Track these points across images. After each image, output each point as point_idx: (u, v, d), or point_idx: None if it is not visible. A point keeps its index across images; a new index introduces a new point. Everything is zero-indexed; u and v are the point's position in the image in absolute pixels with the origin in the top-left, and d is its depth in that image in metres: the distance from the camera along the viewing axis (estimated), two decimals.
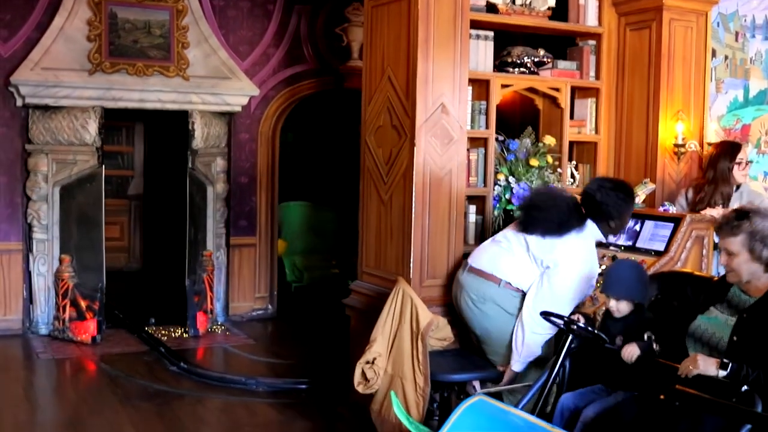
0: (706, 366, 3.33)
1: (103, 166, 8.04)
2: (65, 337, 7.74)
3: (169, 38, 8.15)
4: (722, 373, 3.29)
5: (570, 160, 5.74)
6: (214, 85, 8.25)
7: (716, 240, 5.07)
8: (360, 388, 4.42)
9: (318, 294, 9.62)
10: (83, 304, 7.76)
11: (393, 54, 5.05)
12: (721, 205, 5.25)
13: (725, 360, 3.34)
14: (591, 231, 4.46)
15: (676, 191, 5.61)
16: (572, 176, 5.73)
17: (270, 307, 9.02)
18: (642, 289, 3.97)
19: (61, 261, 7.89)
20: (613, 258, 5.05)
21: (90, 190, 7.96)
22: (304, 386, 6.41)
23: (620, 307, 3.95)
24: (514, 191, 5.20)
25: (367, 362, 4.39)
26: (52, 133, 7.84)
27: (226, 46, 8.51)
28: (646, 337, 3.82)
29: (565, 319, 3.95)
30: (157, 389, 6.36)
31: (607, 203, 4.40)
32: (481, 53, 5.33)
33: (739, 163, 5.32)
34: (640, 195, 5.40)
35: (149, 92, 8.05)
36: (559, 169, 5.45)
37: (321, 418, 5.74)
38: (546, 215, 4.41)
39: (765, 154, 6.23)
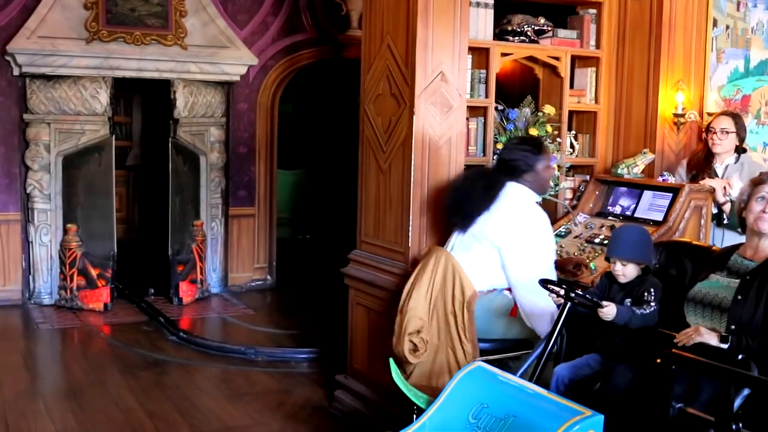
0: (709, 338, 3.35)
1: (113, 136, 8.10)
2: (74, 306, 7.86)
3: (167, 6, 8.09)
4: (723, 346, 3.30)
5: (569, 129, 5.72)
6: (213, 54, 8.22)
7: (714, 210, 5.10)
8: (410, 358, 4.36)
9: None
10: (94, 272, 7.90)
11: (392, 22, 5.01)
12: (722, 176, 5.24)
13: (724, 334, 3.35)
14: (517, 191, 4.42)
15: (675, 162, 5.59)
16: (571, 146, 5.71)
17: (269, 277, 9.04)
18: (649, 251, 3.91)
19: (66, 230, 7.97)
20: (612, 227, 5.05)
21: (99, 159, 8.07)
22: (303, 356, 6.44)
23: (626, 272, 3.87)
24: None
25: (412, 332, 4.36)
26: (56, 102, 7.86)
27: (224, 14, 8.46)
28: (628, 302, 3.78)
29: (565, 286, 3.92)
30: (156, 358, 6.39)
31: (515, 158, 4.44)
32: (481, 21, 5.29)
33: (711, 132, 5.27)
34: (639, 165, 5.39)
35: (147, 61, 8.01)
36: (558, 139, 5.43)
37: (320, 388, 5.77)
38: (466, 198, 4.44)
39: (765, 125, 6.20)
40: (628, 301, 3.81)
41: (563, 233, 5.26)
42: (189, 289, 8.17)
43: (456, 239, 4.55)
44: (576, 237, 5.14)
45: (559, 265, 4.62)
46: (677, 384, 2.65)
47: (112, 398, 5.51)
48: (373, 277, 5.12)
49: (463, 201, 4.46)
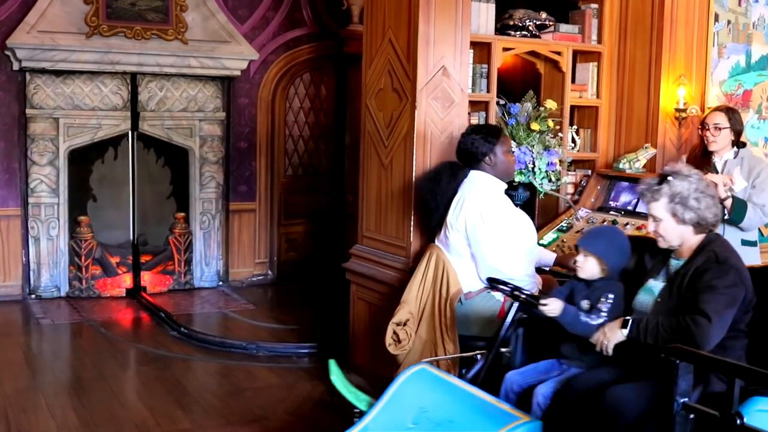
0: (613, 333, 3.31)
1: (134, 131, 8.31)
2: (90, 295, 8.10)
3: (167, 1, 8.08)
4: (625, 332, 3.27)
5: (571, 124, 5.73)
6: (213, 49, 8.20)
7: None
8: (391, 349, 4.37)
9: None
10: (113, 261, 8.28)
11: (394, 16, 5.01)
12: (721, 172, 5.22)
13: (626, 318, 3.31)
14: (477, 178, 4.41)
15: (677, 156, 5.59)
16: (573, 141, 5.71)
17: (270, 272, 9.03)
18: (614, 253, 3.65)
19: (79, 223, 8.17)
20: (614, 222, 5.05)
21: (115, 152, 8.49)
22: (304, 351, 6.43)
23: (586, 266, 3.64)
24: (515, 156, 5.18)
25: (398, 324, 4.37)
26: (68, 98, 7.96)
27: (224, 9, 8.45)
28: (584, 304, 3.60)
29: (511, 285, 3.80)
30: (157, 354, 6.39)
31: (473, 144, 4.41)
32: (483, 16, 5.29)
33: (705, 128, 5.13)
34: (641, 160, 5.39)
35: (147, 56, 8.00)
36: (560, 134, 5.43)
37: (321, 382, 5.76)
38: (429, 191, 4.47)
39: (766, 119, 6.19)
40: (585, 302, 3.62)
41: (565, 228, 5.26)
42: (156, 279, 8.43)
43: (436, 240, 4.54)
44: (578, 232, 5.14)
45: (560, 261, 4.61)
46: (681, 379, 2.65)
47: (113, 393, 5.50)
48: (374, 271, 5.12)
49: (430, 197, 4.49)
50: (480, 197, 4.33)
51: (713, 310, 3.16)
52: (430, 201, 4.50)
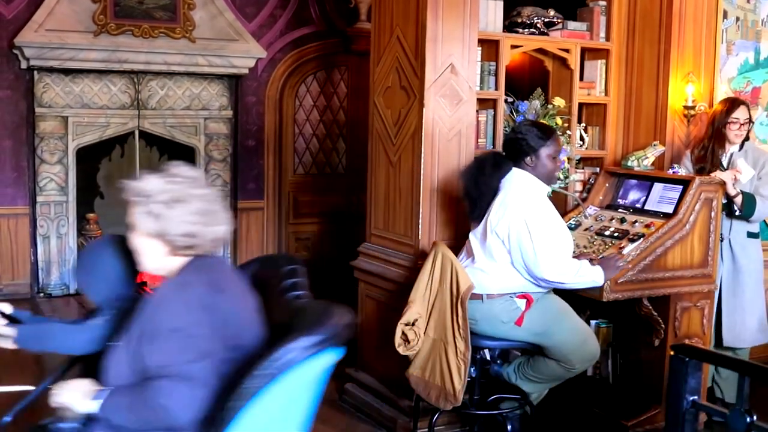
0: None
1: (137, 129, 8.36)
2: None
3: None
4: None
5: (579, 122, 5.70)
6: (221, 47, 8.22)
7: (724, 201, 5.08)
8: (401, 350, 4.34)
9: None
10: None
11: (402, 14, 5.00)
12: (727, 166, 5.21)
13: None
14: (522, 179, 4.34)
15: (684, 154, 5.58)
16: (581, 138, 5.70)
17: None
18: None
19: (88, 220, 8.25)
20: (622, 220, 5.03)
21: (122, 150, 8.57)
22: None
23: None
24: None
25: (407, 324, 4.36)
26: (77, 96, 8.00)
27: (232, 7, 8.46)
28: None
29: None
30: None
31: (524, 136, 4.33)
32: (491, 13, 5.28)
33: (733, 123, 5.19)
34: (649, 157, 5.37)
35: (155, 54, 8.02)
36: (568, 131, 5.41)
37: (330, 381, 5.75)
38: (472, 181, 4.38)
39: None
40: None
41: (573, 226, 5.24)
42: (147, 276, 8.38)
43: (472, 233, 4.48)
44: (586, 229, 5.13)
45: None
46: (690, 377, 2.64)
47: None
48: (383, 269, 5.12)
49: (472, 185, 4.39)
50: (524, 203, 4.24)
51: None
52: (473, 191, 4.37)
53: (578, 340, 4.33)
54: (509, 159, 4.41)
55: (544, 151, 4.34)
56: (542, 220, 4.23)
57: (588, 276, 4.29)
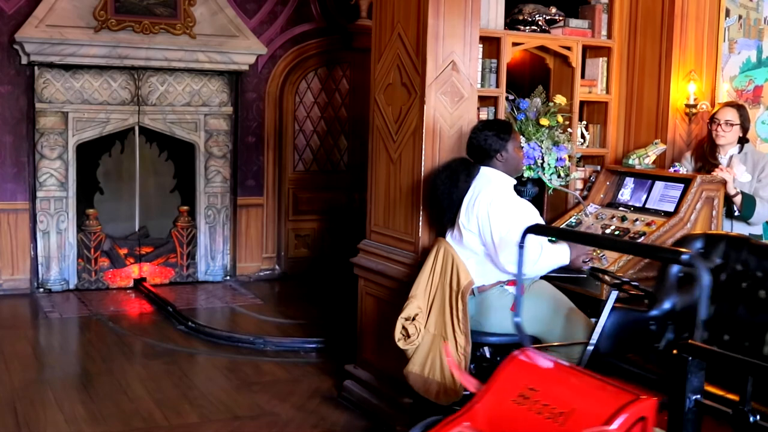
0: None
1: (137, 126, 8.37)
2: (99, 287, 8.23)
3: None
4: None
5: (580, 120, 5.69)
6: (221, 44, 8.21)
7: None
8: (401, 344, 4.35)
9: None
10: (121, 252, 8.41)
11: (403, 11, 4.99)
12: (725, 166, 5.20)
13: None
14: (492, 176, 4.38)
15: (685, 153, 5.57)
16: (582, 136, 5.69)
17: (277, 267, 9.03)
18: None
19: (88, 216, 8.27)
20: (623, 218, 5.02)
21: (122, 145, 8.54)
22: (311, 346, 6.43)
23: None
24: (524, 151, 5.15)
25: (407, 318, 4.36)
26: (77, 92, 8.01)
27: (232, 3, 8.45)
28: None
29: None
30: (165, 348, 6.39)
31: (485, 141, 4.38)
32: (492, 11, 5.27)
33: (714, 123, 5.19)
34: (651, 156, 5.36)
35: (156, 50, 8.01)
36: (569, 129, 5.40)
37: (329, 377, 5.77)
38: (446, 193, 4.43)
39: None
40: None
41: (574, 224, 5.23)
42: (157, 271, 8.54)
43: (448, 236, 4.51)
44: (587, 228, 5.11)
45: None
46: (693, 376, 2.62)
47: (121, 387, 5.51)
48: (383, 267, 5.11)
49: (445, 196, 4.45)
50: (489, 196, 4.29)
51: None
52: (445, 201, 4.45)
53: (573, 324, 4.32)
54: (476, 161, 4.47)
55: (510, 146, 4.43)
56: (503, 210, 4.26)
57: (550, 260, 4.26)
